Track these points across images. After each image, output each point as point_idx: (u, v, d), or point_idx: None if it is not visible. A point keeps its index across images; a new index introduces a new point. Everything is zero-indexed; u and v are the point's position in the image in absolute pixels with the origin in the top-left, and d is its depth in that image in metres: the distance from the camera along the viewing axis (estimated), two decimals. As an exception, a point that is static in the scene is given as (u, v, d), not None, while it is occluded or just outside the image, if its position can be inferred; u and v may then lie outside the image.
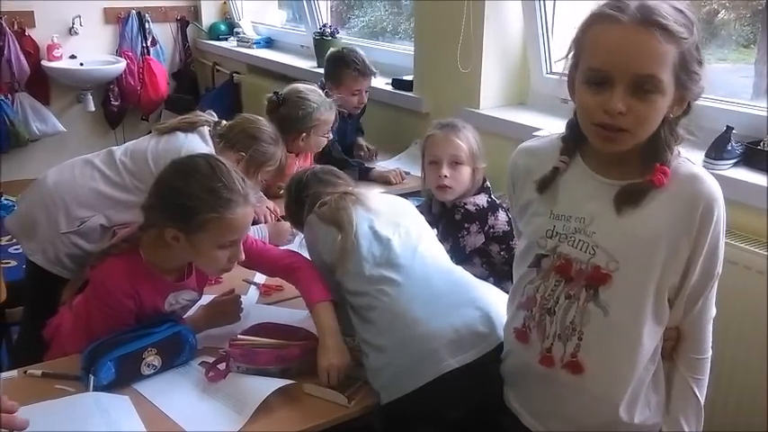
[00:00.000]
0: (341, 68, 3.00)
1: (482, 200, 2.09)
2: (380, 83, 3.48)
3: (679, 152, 1.25)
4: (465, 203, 2.07)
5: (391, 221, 1.73)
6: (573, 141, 1.29)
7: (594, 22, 1.17)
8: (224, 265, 1.65)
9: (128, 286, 1.62)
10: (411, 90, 3.35)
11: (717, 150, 2.06)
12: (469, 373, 1.46)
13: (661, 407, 1.33)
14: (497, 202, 2.11)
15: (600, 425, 1.30)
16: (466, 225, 2.04)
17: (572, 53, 1.22)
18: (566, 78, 1.26)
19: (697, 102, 1.22)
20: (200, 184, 1.58)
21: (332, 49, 3.25)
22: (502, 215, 2.08)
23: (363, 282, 1.63)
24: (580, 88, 1.19)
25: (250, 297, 2.04)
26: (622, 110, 1.12)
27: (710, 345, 1.33)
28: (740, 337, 1.89)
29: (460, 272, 1.70)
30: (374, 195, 1.86)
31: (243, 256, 1.67)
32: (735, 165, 2.08)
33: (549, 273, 1.28)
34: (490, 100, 2.91)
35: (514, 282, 1.38)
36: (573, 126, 1.29)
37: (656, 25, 1.10)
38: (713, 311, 1.31)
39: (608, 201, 1.23)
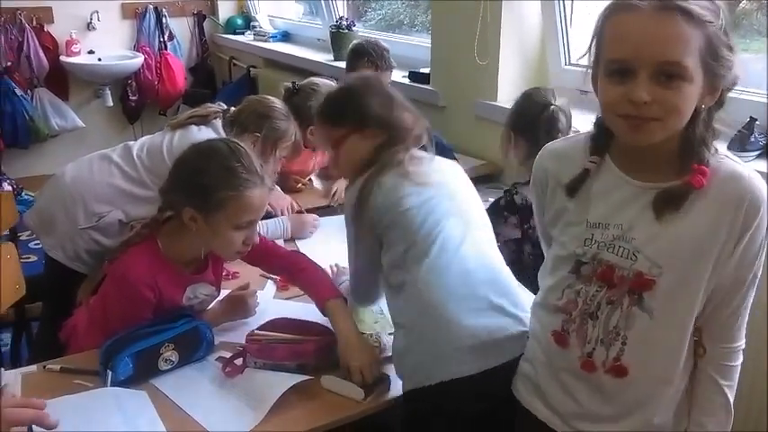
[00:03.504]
0: (356, 60, 2.94)
1: None
2: (397, 76, 3.45)
3: (717, 150, 1.19)
4: (517, 191, 2.02)
5: (451, 200, 1.60)
6: (602, 141, 1.24)
7: (613, 12, 1.14)
8: (239, 247, 1.66)
9: (148, 276, 1.62)
10: (428, 83, 3.33)
11: (740, 142, 2.02)
12: (497, 373, 1.43)
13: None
14: None
15: (634, 427, 1.26)
16: (506, 214, 2.00)
17: (593, 46, 1.18)
18: (585, 70, 1.22)
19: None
20: (219, 163, 1.60)
21: (354, 41, 3.17)
22: None
23: (405, 258, 1.53)
24: (602, 81, 1.15)
25: (267, 292, 2.03)
26: (647, 99, 1.08)
27: (742, 351, 1.28)
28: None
29: (502, 269, 1.61)
30: (439, 164, 1.68)
31: (257, 239, 1.69)
32: (758, 157, 2.04)
33: (590, 279, 1.24)
34: (508, 92, 2.88)
35: (549, 284, 1.33)
36: (601, 124, 1.24)
37: (678, 9, 1.06)
38: (747, 314, 1.25)
39: (645, 205, 1.19)
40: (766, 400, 1.84)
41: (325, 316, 1.69)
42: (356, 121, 1.61)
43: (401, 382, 1.54)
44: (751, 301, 1.24)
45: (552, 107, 2.02)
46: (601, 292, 1.23)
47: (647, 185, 1.19)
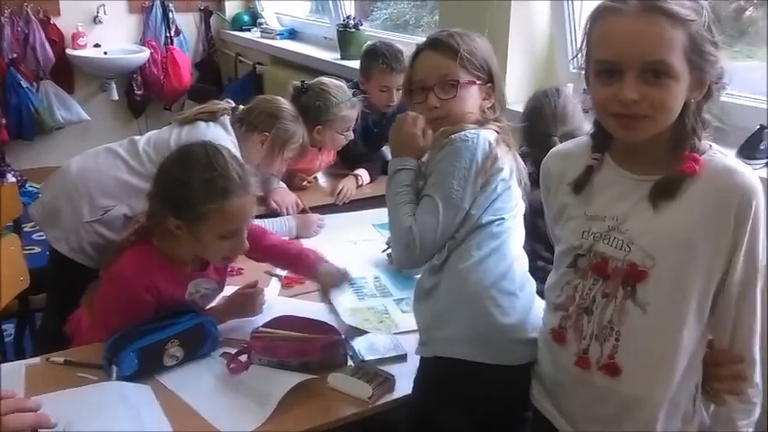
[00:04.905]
0: (370, 61, 2.91)
1: None
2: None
3: (711, 145, 1.22)
4: None
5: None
6: (601, 138, 1.28)
7: (599, 14, 1.18)
8: (227, 253, 1.67)
9: (146, 278, 1.63)
10: (435, 83, 3.31)
11: (749, 150, 2.01)
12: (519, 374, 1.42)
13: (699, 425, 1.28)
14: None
15: (637, 428, 1.26)
16: None
17: (584, 48, 1.23)
18: (578, 71, 1.26)
19: (728, 99, 1.19)
20: (198, 176, 1.59)
21: (368, 42, 3.15)
22: None
23: (487, 229, 1.47)
24: (592, 81, 1.20)
25: (272, 289, 2.03)
26: (635, 98, 1.12)
27: (758, 360, 1.25)
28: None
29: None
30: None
31: (246, 246, 1.68)
32: (767, 164, 2.03)
33: (586, 272, 1.26)
34: (515, 94, 2.85)
35: (550, 283, 1.35)
36: (599, 122, 1.28)
37: (660, 11, 1.11)
38: (758, 314, 1.24)
39: (640, 197, 1.21)
40: (766, 399, 1.83)
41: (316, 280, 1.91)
42: (487, 73, 1.55)
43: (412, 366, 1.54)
44: (758, 303, 1.22)
45: (553, 139, 1.95)
46: (596, 285, 1.24)
47: (642, 178, 1.23)
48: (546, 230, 2.03)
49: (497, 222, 1.47)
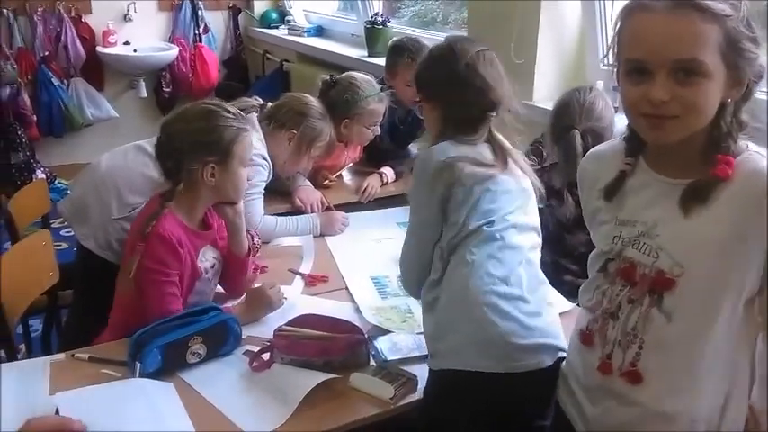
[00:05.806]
0: (395, 57, 2.89)
1: None
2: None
3: (747, 145, 1.16)
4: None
5: (522, 207, 1.55)
6: (635, 141, 1.24)
7: (629, 11, 1.14)
8: (246, 183, 1.88)
9: (177, 235, 1.72)
10: (462, 81, 3.28)
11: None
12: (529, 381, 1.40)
13: None
14: None
15: None
16: None
17: (615, 47, 1.19)
18: (612, 70, 1.22)
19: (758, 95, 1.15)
20: (219, 120, 1.77)
21: (393, 38, 3.13)
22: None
23: (467, 233, 1.48)
24: (622, 81, 1.15)
25: (295, 287, 2.03)
26: (665, 98, 1.07)
27: None
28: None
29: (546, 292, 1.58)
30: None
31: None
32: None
33: (614, 277, 1.23)
34: (544, 92, 2.84)
35: (584, 286, 1.33)
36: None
37: (692, 6, 1.06)
38: None
39: (673, 202, 1.17)
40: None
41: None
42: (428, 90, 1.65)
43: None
44: None
45: (573, 131, 1.97)
46: (623, 291, 1.21)
47: (675, 182, 1.18)
48: (573, 245, 2.01)
49: (486, 224, 1.46)
